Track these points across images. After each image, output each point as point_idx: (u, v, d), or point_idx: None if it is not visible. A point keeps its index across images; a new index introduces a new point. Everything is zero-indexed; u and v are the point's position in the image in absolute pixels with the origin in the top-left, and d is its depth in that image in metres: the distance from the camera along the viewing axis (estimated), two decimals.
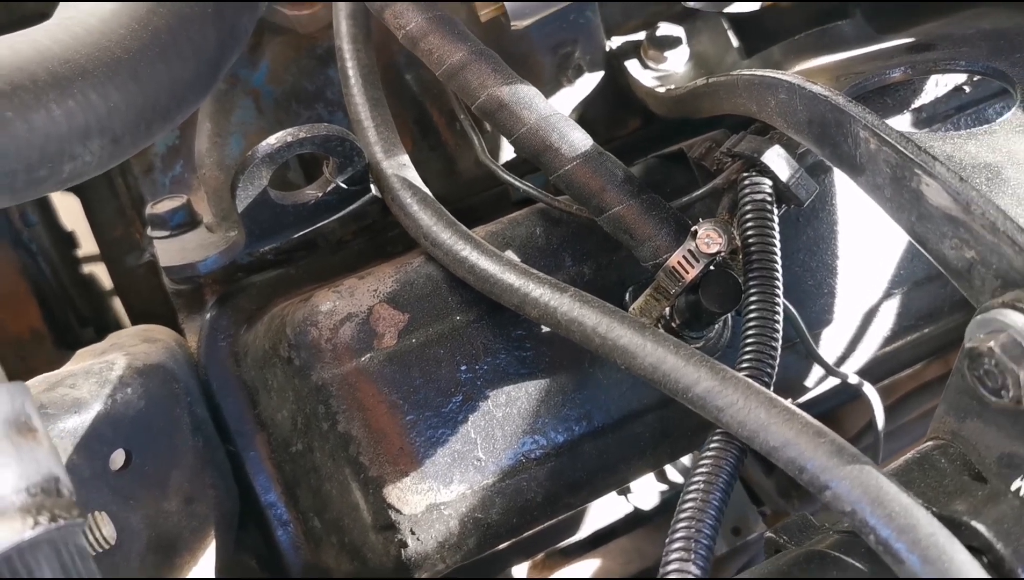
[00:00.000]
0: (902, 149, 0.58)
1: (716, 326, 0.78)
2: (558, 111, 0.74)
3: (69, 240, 1.29)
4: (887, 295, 0.87)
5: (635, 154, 0.97)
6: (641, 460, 0.82)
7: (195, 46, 0.75)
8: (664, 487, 1.04)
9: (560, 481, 0.78)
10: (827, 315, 0.85)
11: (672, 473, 1.06)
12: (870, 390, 0.86)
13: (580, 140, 0.73)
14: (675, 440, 0.83)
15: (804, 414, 0.57)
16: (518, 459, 0.77)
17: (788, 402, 0.59)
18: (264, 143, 0.75)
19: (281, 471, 0.82)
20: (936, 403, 1.06)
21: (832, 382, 0.87)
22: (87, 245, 1.33)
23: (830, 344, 0.86)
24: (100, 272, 1.33)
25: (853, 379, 0.85)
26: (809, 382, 0.86)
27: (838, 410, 1.02)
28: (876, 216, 0.86)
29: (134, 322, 1.14)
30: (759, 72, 0.72)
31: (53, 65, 0.64)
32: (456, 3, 0.91)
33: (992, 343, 0.50)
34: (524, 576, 1.01)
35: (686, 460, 1.07)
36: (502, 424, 0.77)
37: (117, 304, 1.33)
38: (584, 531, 0.99)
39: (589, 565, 1.01)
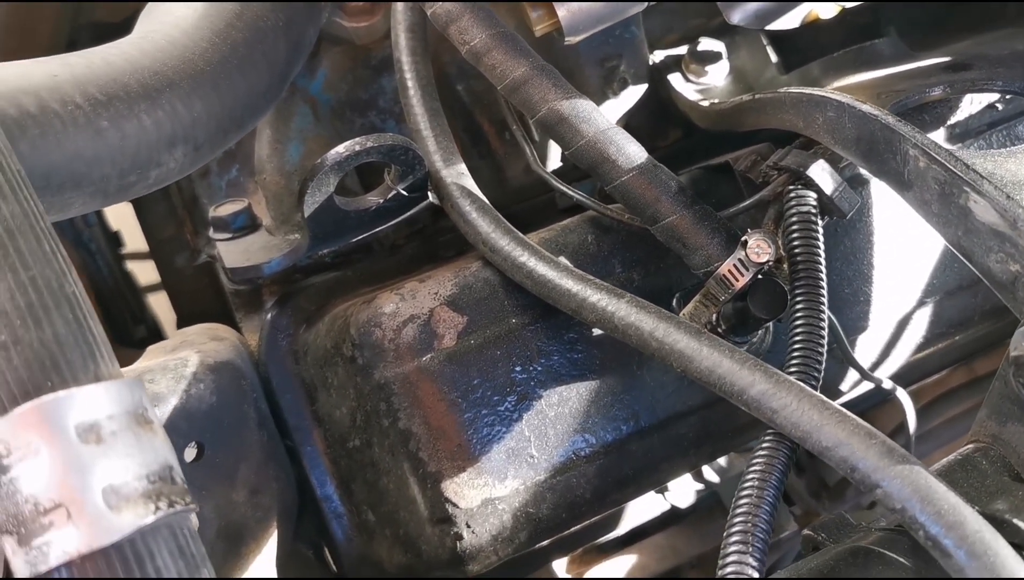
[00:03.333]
0: (951, 168, 0.62)
1: (759, 332, 0.82)
2: (615, 125, 0.78)
3: (115, 240, 1.33)
4: (920, 304, 0.91)
5: (676, 164, 1.00)
6: (684, 459, 0.85)
7: (268, 58, 0.79)
8: (700, 486, 1.07)
9: (608, 478, 0.82)
10: (863, 322, 0.89)
11: (708, 472, 1.09)
12: (903, 394, 0.89)
13: (636, 153, 0.77)
14: (716, 441, 0.86)
15: (855, 417, 0.61)
16: (569, 456, 0.81)
17: (837, 405, 0.62)
18: (333, 151, 0.78)
19: (337, 466, 0.86)
20: (961, 409, 1.09)
21: (866, 386, 0.91)
22: (130, 245, 1.37)
23: (865, 349, 0.89)
24: (139, 271, 1.37)
25: (887, 384, 0.88)
26: (844, 386, 0.89)
27: (867, 413, 1.06)
28: (910, 228, 0.90)
29: (181, 322, 1.18)
30: (807, 90, 0.76)
31: (143, 77, 0.68)
32: (504, 10, 0.95)
33: None
34: (564, 570, 1.05)
35: (722, 461, 1.11)
36: (554, 423, 0.80)
37: (155, 303, 1.37)
38: (622, 528, 1.02)
39: (626, 561, 1.05)
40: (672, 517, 1.04)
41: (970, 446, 0.64)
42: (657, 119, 1.02)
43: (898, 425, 1.05)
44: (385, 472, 0.82)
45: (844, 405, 0.92)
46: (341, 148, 0.78)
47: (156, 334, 1.30)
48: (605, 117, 0.78)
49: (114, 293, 1.15)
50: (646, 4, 0.87)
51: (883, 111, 0.68)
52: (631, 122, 1.01)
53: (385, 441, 0.80)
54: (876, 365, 0.90)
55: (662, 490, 1.06)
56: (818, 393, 0.63)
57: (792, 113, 0.77)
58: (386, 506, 0.83)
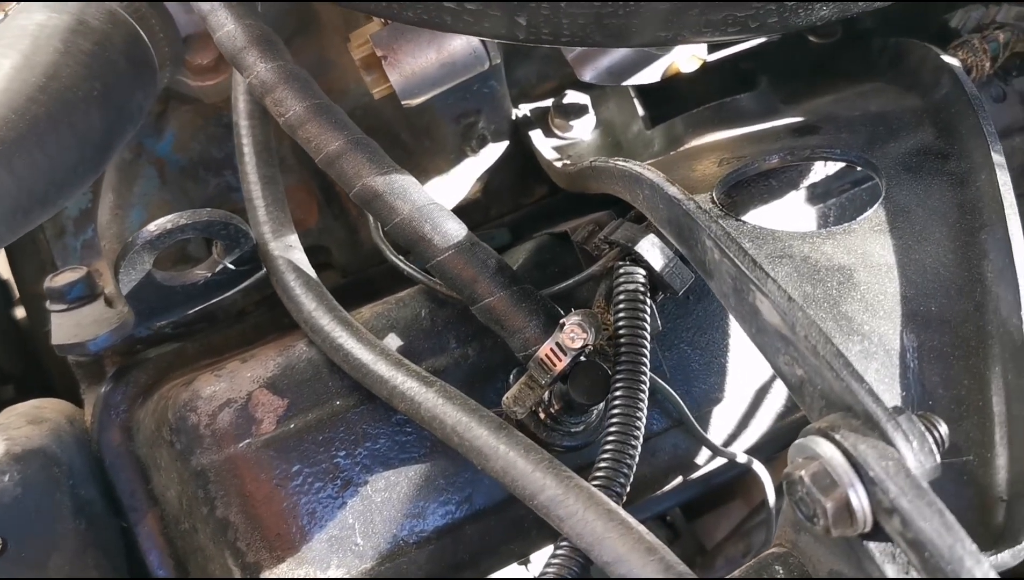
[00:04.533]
0: (739, 264, 0.58)
1: (597, 408, 0.79)
2: (433, 200, 0.74)
3: (3, 290, 1.29)
4: None
5: (542, 222, 0.98)
6: (525, 541, 0.82)
7: (78, 131, 0.75)
8: None
9: (441, 563, 0.79)
10: (717, 393, 0.86)
11: None
12: (760, 468, 0.86)
13: (454, 230, 0.73)
14: None
15: (641, 528, 0.58)
16: (397, 543, 0.77)
17: (627, 515, 0.59)
18: (144, 230, 0.75)
19: (173, 547, 0.83)
20: None
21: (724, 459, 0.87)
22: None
23: (720, 422, 0.86)
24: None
25: (742, 458, 0.85)
26: (700, 459, 0.86)
27: (746, 477, 1.03)
28: None
29: (59, 382, 1.14)
30: (629, 165, 0.72)
31: None
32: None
33: (804, 472, 0.51)
34: None
35: None
36: (381, 509, 0.77)
37: None
38: None
39: None
40: None
41: (773, 550, 0.60)
42: (522, 176, 0.99)
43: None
44: (211, 558, 0.79)
45: (709, 475, 0.90)
46: (152, 226, 0.75)
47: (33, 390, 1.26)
48: (424, 193, 0.75)
49: None
50: (487, 65, 0.84)
51: (687, 195, 0.65)
52: (493, 180, 0.98)
53: (207, 528, 0.77)
54: (733, 437, 0.87)
55: (524, 562, 1.03)
56: (609, 502, 0.60)
57: (620, 185, 0.74)
58: None
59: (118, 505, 0.83)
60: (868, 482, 0.49)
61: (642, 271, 0.73)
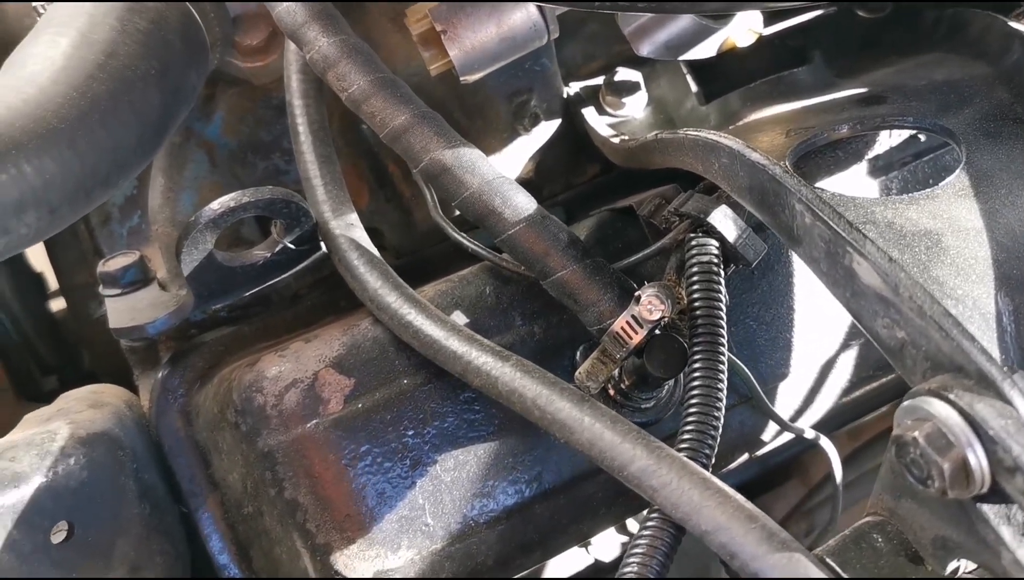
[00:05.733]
0: (834, 226, 0.57)
1: (668, 385, 0.78)
2: (502, 174, 0.73)
3: (38, 282, 1.28)
4: (844, 346, 0.86)
5: (594, 201, 0.97)
6: (594, 520, 0.81)
7: (137, 110, 0.74)
8: (625, 539, 1.03)
9: (511, 543, 0.78)
10: (783, 369, 0.84)
11: (633, 525, 1.05)
12: (827, 444, 0.85)
13: (524, 204, 0.72)
14: (630, 499, 0.81)
15: (738, 496, 0.57)
16: (467, 523, 0.76)
17: (722, 483, 0.58)
18: (207, 208, 0.74)
19: (235, 532, 0.81)
20: None
21: (790, 434, 0.86)
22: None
23: (787, 397, 0.85)
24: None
25: (810, 434, 0.84)
26: (766, 436, 0.85)
27: (802, 457, 1.01)
28: None
29: (99, 371, 1.13)
30: (703, 133, 0.71)
31: None
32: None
33: (917, 433, 0.50)
34: None
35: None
36: (451, 488, 0.76)
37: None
38: None
39: None
40: (596, 571, 1.00)
41: (868, 519, 0.59)
42: (573, 155, 0.98)
43: (827, 474, 1.00)
44: (277, 542, 0.77)
45: (773, 452, 0.89)
46: (215, 204, 0.74)
47: (81, 378, 1.26)
48: (492, 166, 0.73)
49: (19, 345, 1.10)
50: (546, 39, 0.83)
51: (772, 160, 0.63)
52: (546, 159, 0.97)
53: (274, 511, 0.76)
54: (799, 413, 0.86)
55: (585, 544, 1.01)
56: (703, 471, 0.59)
57: (691, 156, 0.73)
58: (282, 576, 0.78)
59: (177, 490, 0.82)
60: (987, 441, 0.48)
61: (715, 242, 0.72)
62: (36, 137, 0.66)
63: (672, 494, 0.58)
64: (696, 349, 0.69)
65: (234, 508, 0.81)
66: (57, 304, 1.31)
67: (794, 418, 0.85)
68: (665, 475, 0.58)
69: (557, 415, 0.64)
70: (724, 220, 0.72)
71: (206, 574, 0.82)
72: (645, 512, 0.62)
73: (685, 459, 0.59)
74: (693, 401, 0.66)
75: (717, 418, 0.66)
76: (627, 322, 0.69)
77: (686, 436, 0.65)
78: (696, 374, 0.67)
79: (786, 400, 0.85)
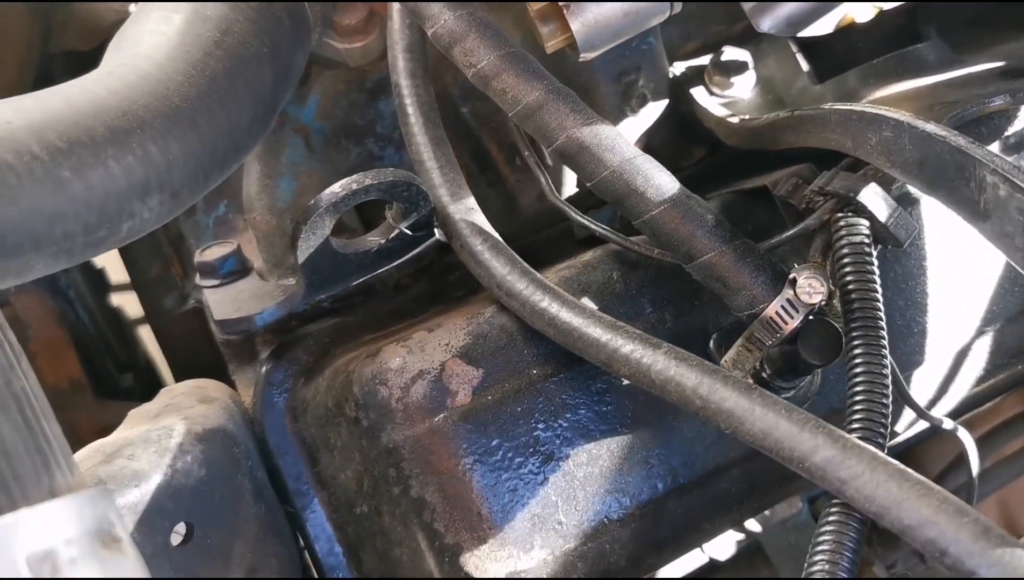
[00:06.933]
0: None
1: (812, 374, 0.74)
2: (641, 152, 0.69)
3: (99, 277, 1.25)
4: (979, 333, 0.83)
5: (701, 184, 0.92)
6: (727, 516, 0.77)
7: (252, 89, 0.71)
8: (740, 536, 0.99)
9: (644, 542, 0.74)
10: (918, 356, 0.81)
11: (748, 521, 1.01)
12: (964, 435, 0.81)
13: (667, 183, 0.69)
14: (762, 494, 0.78)
15: (940, 489, 0.53)
16: (601, 521, 0.73)
17: (919, 475, 0.54)
18: (328, 191, 0.70)
19: (343, 533, 0.78)
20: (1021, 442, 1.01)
21: (922, 424, 0.82)
22: (113, 278, 1.29)
23: (921, 386, 0.81)
24: (126, 306, 1.29)
25: (948, 424, 0.80)
26: (899, 426, 0.81)
27: (916, 448, 0.98)
28: (966, 250, 0.82)
29: (172, 368, 1.10)
30: (857, 107, 0.67)
31: (110, 118, 0.60)
32: (509, 24, 0.87)
33: None
34: None
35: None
36: (584, 484, 0.72)
37: (145, 339, 1.28)
38: None
39: None
40: (711, 569, 0.96)
41: None
42: (679, 137, 0.94)
43: (950, 463, 0.96)
44: (397, 543, 0.74)
45: (896, 445, 0.85)
46: (337, 187, 0.70)
47: (147, 376, 1.22)
48: (630, 144, 0.70)
49: (96, 341, 1.07)
50: (667, 13, 0.79)
51: (950, 131, 0.60)
52: (652, 140, 0.93)
53: (396, 510, 0.72)
54: (933, 402, 0.82)
55: None
56: (895, 461, 0.55)
57: (839, 132, 0.69)
58: (403, 578, 0.75)
59: (283, 489, 0.78)
60: None
61: (865, 222, 0.68)
62: (160, 116, 0.63)
63: (865, 486, 0.54)
64: (855, 334, 0.65)
65: (344, 508, 0.77)
66: (118, 299, 1.28)
67: (928, 407, 0.82)
68: (855, 466, 0.54)
69: (723, 405, 0.60)
70: (875, 198, 0.69)
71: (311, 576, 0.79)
72: (825, 507, 0.58)
73: (875, 450, 0.55)
74: (858, 388, 0.63)
75: (886, 405, 0.62)
76: (782, 307, 0.66)
77: (856, 426, 0.61)
78: (858, 360, 0.64)
79: (920, 388, 0.81)
